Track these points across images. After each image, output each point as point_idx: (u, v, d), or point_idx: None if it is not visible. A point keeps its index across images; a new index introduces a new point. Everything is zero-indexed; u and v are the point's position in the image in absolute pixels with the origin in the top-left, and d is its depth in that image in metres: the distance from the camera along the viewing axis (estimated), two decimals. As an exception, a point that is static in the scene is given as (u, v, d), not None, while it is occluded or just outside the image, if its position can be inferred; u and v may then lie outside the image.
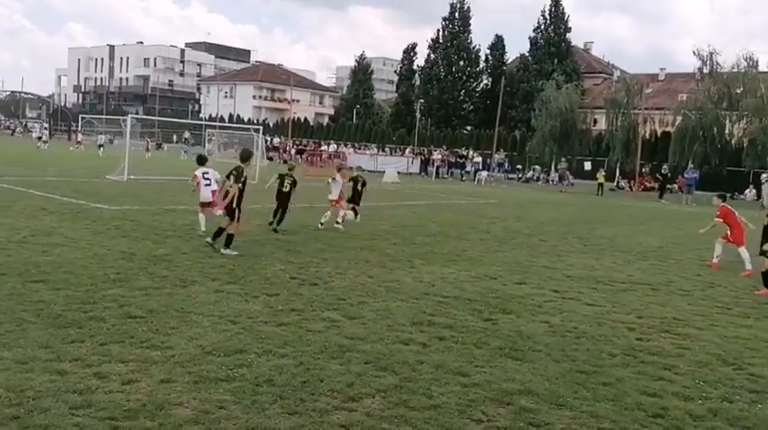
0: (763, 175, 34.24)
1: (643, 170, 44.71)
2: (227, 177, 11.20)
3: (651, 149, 48.40)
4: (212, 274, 9.29)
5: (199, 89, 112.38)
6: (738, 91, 41.79)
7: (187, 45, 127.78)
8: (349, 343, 6.62)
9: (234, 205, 11.03)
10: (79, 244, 10.83)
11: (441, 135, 65.28)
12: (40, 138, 48.87)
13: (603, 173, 40.28)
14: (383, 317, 7.74)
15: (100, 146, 49.55)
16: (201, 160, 13.60)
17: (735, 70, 41.93)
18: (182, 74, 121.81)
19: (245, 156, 11.69)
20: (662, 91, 62.76)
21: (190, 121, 61.96)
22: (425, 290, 9.38)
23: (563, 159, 47.17)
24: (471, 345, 6.84)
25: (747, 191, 39.20)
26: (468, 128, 71.32)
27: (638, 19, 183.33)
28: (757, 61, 41.74)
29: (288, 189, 13.99)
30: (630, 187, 43.80)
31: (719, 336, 7.69)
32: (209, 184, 12.97)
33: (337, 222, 15.16)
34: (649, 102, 57.73)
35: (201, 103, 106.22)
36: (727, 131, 43.23)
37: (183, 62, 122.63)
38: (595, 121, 56.48)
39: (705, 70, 44.05)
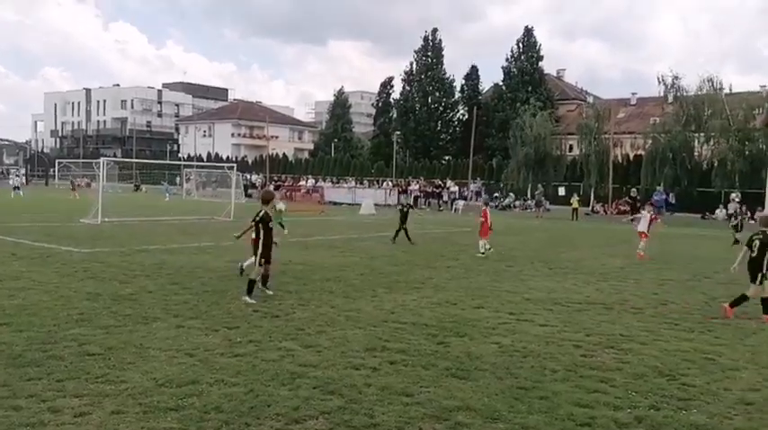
0: (733, 195, 35.05)
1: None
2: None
3: (624, 173, 49.40)
4: (175, 311, 9.51)
5: (177, 129, 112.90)
6: (706, 113, 43.03)
7: (164, 86, 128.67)
8: (301, 370, 6.87)
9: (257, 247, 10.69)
10: (46, 287, 11.01)
11: (419, 166, 66.14)
12: (16, 188, 48.43)
13: (578, 198, 41.02)
14: (338, 344, 7.99)
15: (15, 188, 48.85)
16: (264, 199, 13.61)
17: (700, 93, 43.24)
18: (159, 114, 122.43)
19: (267, 198, 11.39)
20: (634, 115, 64.26)
21: (166, 162, 62.04)
22: (384, 317, 9.64)
23: (539, 185, 47.90)
24: (420, 367, 7.11)
25: (718, 211, 40.06)
26: (447, 158, 72.29)
27: (614, 44, 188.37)
28: (720, 83, 43.15)
29: (406, 210, 21.26)
30: (605, 211, 44.54)
31: (660, 350, 8.02)
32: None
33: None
34: (622, 126, 59.12)
35: (180, 142, 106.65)
36: (696, 153, 44.34)
37: (160, 103, 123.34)
38: (571, 147, 57.56)
39: (670, 95, 45.39)
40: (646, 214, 19.53)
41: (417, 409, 5.79)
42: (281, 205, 15.52)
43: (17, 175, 63.28)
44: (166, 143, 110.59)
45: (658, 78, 45.74)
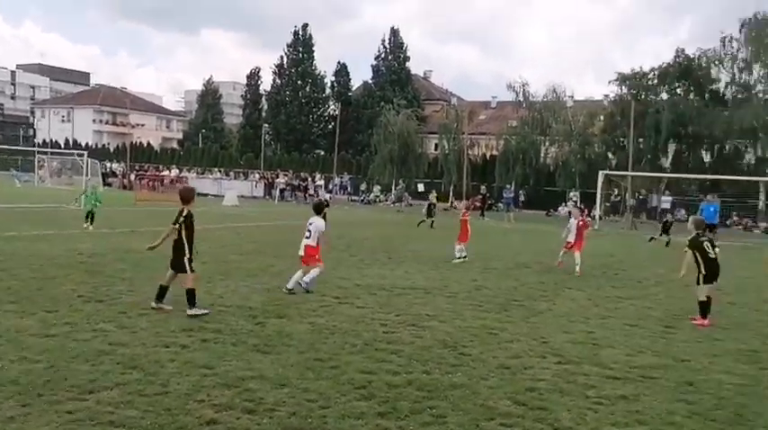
0: (571, 194, 38.21)
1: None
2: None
3: (482, 171, 52.18)
4: (-7, 295, 9.40)
5: (33, 113, 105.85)
6: (551, 119, 46.79)
7: (18, 67, 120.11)
8: (109, 348, 7.14)
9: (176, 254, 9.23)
10: None
11: (288, 158, 66.19)
12: None
13: (435, 194, 42.92)
14: (156, 325, 8.29)
15: None
16: (318, 208, 11.69)
17: (547, 100, 46.94)
18: (13, 97, 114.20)
19: (188, 197, 9.59)
20: (494, 117, 67.75)
21: (13, 148, 58.09)
22: (212, 301, 9.99)
23: (401, 181, 49.67)
24: (229, 344, 7.58)
25: (561, 208, 43.43)
26: (318, 152, 72.91)
27: (485, 49, 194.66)
28: (564, 91, 47.23)
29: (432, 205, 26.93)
30: (462, 207, 46.92)
31: (455, 327, 8.97)
32: (308, 237, 11.22)
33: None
34: (483, 127, 62.32)
35: (35, 127, 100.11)
36: (542, 155, 47.97)
37: (14, 84, 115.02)
38: (436, 146, 60.01)
39: (522, 100, 48.96)
40: (573, 221, 16.03)
41: (212, 379, 6.27)
42: (98, 187, 14.82)
43: None
44: (20, 127, 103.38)
45: (508, 85, 49.45)
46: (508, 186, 41.44)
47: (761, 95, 43.61)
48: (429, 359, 7.29)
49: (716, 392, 6.64)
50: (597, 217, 35.26)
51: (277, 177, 53.58)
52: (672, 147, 46.33)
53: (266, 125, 69.67)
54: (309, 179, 53.26)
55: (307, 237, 11.22)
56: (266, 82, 77.76)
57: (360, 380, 6.41)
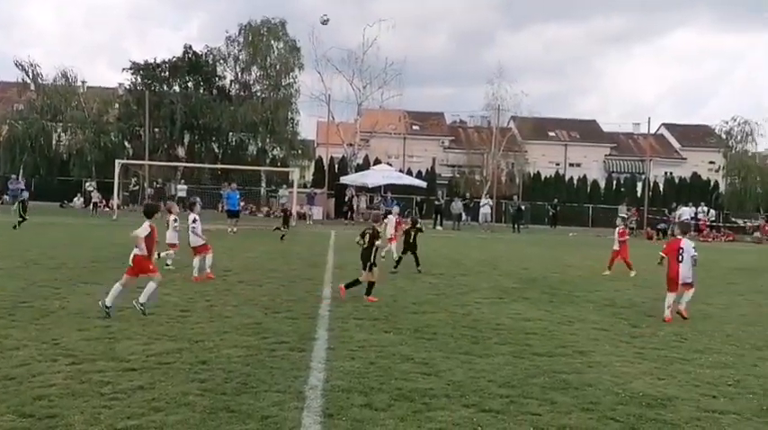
0: (90, 184, 36.60)
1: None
2: None
3: (-15, 160, 46.02)
4: None
5: None
6: (63, 104, 44.19)
7: None
8: None
9: None
10: None
11: None
12: None
13: None
14: None
15: None
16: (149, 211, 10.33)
17: (58, 83, 44.15)
18: None
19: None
20: (-5, 99, 60.35)
21: None
22: None
23: None
24: None
25: (76, 199, 41.30)
26: None
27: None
28: (76, 77, 45.32)
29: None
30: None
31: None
32: (137, 246, 9.74)
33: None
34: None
35: None
36: (54, 142, 45.05)
37: None
38: None
39: (29, 81, 45.10)
40: (391, 218, 18.69)
41: None
42: None
43: None
44: None
45: (16, 63, 44.75)
46: (14, 176, 37.62)
47: (259, 94, 48.81)
48: None
49: (226, 367, 7.20)
50: (116, 206, 34.62)
51: None
52: (187, 138, 48.31)
53: None
54: None
55: (136, 246, 9.71)
56: None
57: None
